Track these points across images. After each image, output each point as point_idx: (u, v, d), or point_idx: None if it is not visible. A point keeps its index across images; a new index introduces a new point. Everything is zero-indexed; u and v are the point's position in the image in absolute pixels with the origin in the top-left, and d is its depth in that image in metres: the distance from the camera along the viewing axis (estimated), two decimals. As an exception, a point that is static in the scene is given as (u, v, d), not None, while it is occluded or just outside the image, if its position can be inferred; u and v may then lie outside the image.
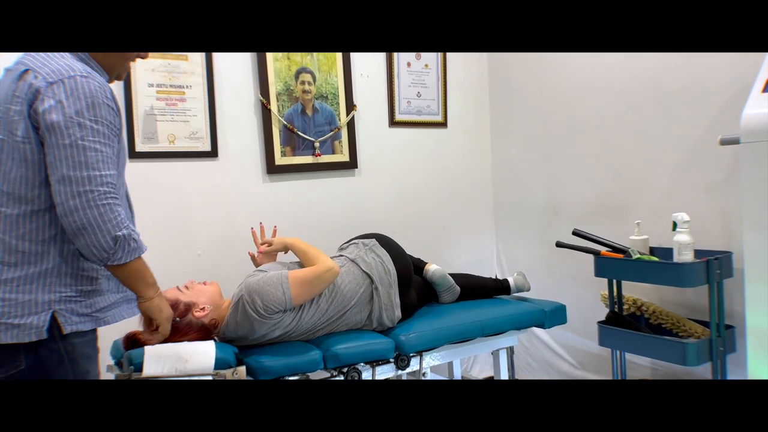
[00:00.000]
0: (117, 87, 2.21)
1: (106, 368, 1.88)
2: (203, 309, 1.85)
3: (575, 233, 2.42)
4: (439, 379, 2.36)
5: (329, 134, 2.67)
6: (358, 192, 2.80)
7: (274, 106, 2.53)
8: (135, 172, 2.26)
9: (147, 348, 1.67)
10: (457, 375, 2.56)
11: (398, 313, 2.09)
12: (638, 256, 2.16)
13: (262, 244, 2.16)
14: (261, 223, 2.26)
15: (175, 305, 1.78)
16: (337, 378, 1.92)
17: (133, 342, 1.72)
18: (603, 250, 2.33)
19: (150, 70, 2.26)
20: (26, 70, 1.32)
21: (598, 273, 2.32)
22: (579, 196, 2.78)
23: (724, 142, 1.95)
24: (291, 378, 1.83)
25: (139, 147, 2.25)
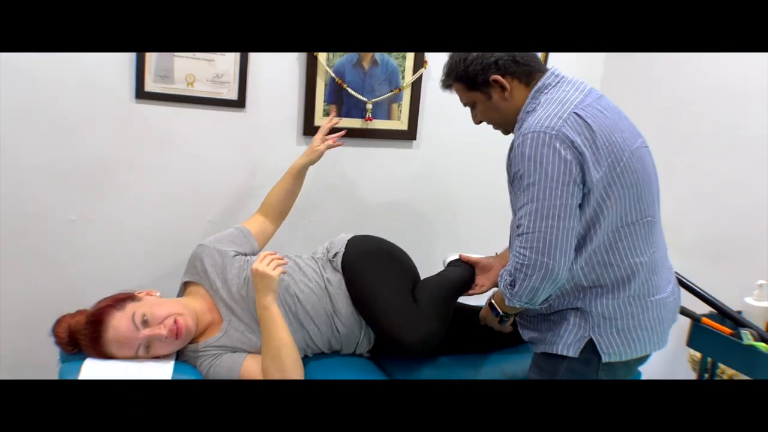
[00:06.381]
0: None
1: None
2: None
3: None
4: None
5: (387, 95, 2.18)
6: (414, 168, 2.32)
7: (322, 54, 2.05)
8: (142, 116, 1.89)
9: (87, 362, 1.35)
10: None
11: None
12: (751, 342, 1.59)
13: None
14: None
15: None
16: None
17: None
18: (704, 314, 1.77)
19: (173, -7, 1.83)
20: None
21: (692, 344, 1.76)
22: (687, 222, 2.17)
23: None
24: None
25: (149, 86, 1.87)
